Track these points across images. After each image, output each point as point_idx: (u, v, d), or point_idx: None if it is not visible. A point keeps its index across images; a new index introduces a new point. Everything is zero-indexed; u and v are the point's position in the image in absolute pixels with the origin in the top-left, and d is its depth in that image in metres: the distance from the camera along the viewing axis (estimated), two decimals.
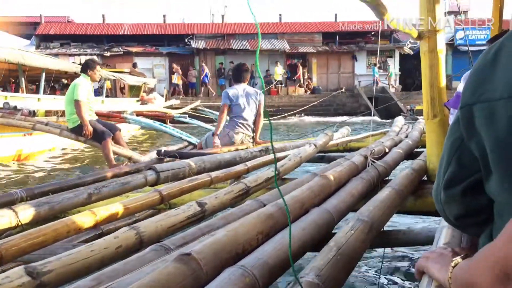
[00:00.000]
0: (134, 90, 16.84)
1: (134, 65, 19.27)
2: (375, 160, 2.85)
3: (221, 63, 24.43)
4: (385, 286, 2.60)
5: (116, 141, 5.70)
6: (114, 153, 5.45)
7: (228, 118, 5.44)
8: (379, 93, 22.12)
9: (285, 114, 18.47)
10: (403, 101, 20.35)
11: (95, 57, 10.70)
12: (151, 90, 17.57)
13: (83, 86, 5.65)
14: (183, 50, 25.52)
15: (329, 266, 1.24)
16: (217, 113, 14.56)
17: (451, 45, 24.75)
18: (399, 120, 6.03)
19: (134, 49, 24.37)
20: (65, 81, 15.25)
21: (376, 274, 2.68)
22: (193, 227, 1.82)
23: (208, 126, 10.51)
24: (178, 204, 2.58)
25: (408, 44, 25.50)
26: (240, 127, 5.36)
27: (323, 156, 4.29)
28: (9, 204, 2.43)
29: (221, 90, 23.94)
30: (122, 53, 24.03)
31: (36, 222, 2.19)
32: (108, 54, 23.50)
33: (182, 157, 4.19)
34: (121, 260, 1.51)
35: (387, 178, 2.87)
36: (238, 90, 5.41)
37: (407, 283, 2.63)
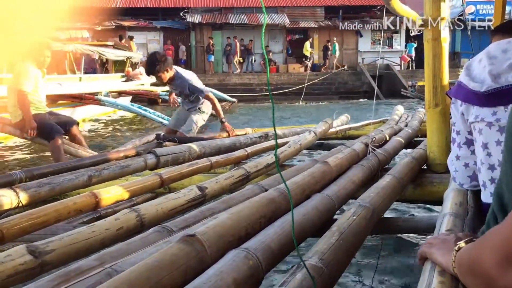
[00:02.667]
0: (118, 65, 15.40)
1: (120, 37, 18.01)
2: (375, 148, 2.85)
3: (211, 38, 23.17)
4: (384, 272, 2.61)
5: (73, 138, 4.77)
6: (67, 153, 4.50)
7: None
8: (384, 71, 21.41)
9: (281, 91, 17.76)
10: (409, 79, 19.70)
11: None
12: (138, 65, 16.22)
13: (28, 74, 4.53)
14: (178, 24, 24.19)
15: (331, 250, 1.25)
16: (212, 90, 14.27)
17: (460, 20, 23.72)
18: (399, 109, 6.03)
19: (126, 23, 23.05)
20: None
21: (375, 261, 2.69)
22: (194, 210, 1.82)
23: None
24: (177, 189, 2.58)
25: (411, 32, 24.85)
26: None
27: (322, 143, 4.29)
28: (8, 185, 2.43)
29: (209, 66, 23.02)
30: (114, 27, 22.75)
31: (36, 202, 2.19)
32: (99, 28, 22.30)
33: (182, 142, 4.19)
34: (122, 242, 1.51)
35: (387, 166, 2.87)
36: None
37: (406, 269, 2.65)
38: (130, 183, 2.29)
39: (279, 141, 3.78)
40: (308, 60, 22.95)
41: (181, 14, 24.02)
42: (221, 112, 4.76)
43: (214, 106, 4.77)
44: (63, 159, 4.28)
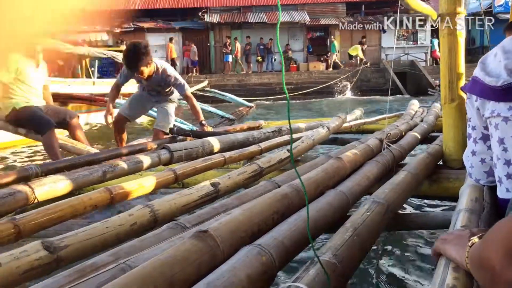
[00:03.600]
0: None
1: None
2: (390, 144, 2.82)
3: (228, 37, 22.83)
4: (396, 269, 2.60)
5: (72, 132, 4.40)
6: (63, 149, 4.12)
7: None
8: (408, 68, 20.76)
9: (300, 92, 17.57)
10: (435, 76, 19.10)
11: None
12: None
13: (9, 64, 4.20)
14: (197, 25, 24.00)
15: (345, 247, 1.24)
16: (228, 94, 14.12)
17: (489, 13, 21.34)
18: (414, 103, 5.96)
19: (145, 25, 23.12)
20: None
21: (387, 256, 2.68)
22: (208, 206, 1.82)
23: (214, 109, 9.35)
24: (191, 184, 2.59)
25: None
26: None
27: (336, 138, 4.27)
28: (24, 179, 2.46)
29: (225, 67, 22.71)
30: (133, 29, 22.87)
31: (52, 198, 2.21)
32: (118, 30, 22.43)
33: (195, 136, 4.20)
34: (136, 237, 1.52)
35: (402, 162, 2.84)
36: None
37: (420, 265, 2.63)
38: (145, 178, 2.30)
39: (294, 136, 3.77)
40: (354, 59, 22.39)
41: (200, 14, 23.83)
42: (201, 114, 4.32)
43: (192, 107, 4.28)
44: (59, 156, 3.88)
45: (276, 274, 1.18)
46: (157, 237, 1.39)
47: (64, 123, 4.34)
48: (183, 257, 1.03)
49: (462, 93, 2.63)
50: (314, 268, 1.10)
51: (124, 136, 4.45)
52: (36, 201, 2.09)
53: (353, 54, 22.23)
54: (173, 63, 20.17)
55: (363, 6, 24.91)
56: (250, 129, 5.28)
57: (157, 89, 4.28)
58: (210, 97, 14.35)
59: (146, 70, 3.97)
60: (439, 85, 14.07)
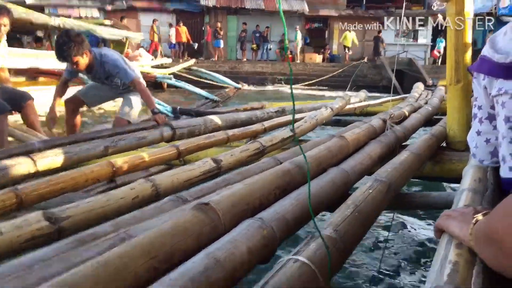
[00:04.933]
0: (116, 46, 14.05)
1: (121, 18, 17.21)
2: (393, 125, 2.80)
3: (218, 22, 21.95)
4: (399, 246, 2.61)
5: (25, 116, 3.96)
6: (12, 136, 3.69)
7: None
8: (405, 66, 20.47)
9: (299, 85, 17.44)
10: (433, 75, 18.84)
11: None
12: (138, 46, 15.48)
13: None
14: (192, 7, 23.06)
15: (346, 223, 1.23)
16: (215, 74, 13.50)
17: (492, 15, 21.13)
18: (419, 86, 5.92)
19: (138, 4, 22.20)
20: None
21: (387, 234, 2.69)
22: (210, 181, 1.82)
23: (198, 90, 8.75)
24: (192, 161, 2.58)
25: (434, 6, 23.23)
26: None
27: (339, 119, 4.25)
28: (26, 154, 2.46)
29: (217, 52, 21.77)
30: (125, 7, 22.01)
31: (53, 171, 2.21)
32: (110, 8, 21.72)
33: (198, 115, 4.19)
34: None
35: (405, 143, 2.83)
36: None
37: (422, 243, 2.64)
38: (147, 153, 2.30)
39: (296, 116, 3.75)
40: (348, 50, 21.77)
41: None
42: (153, 101, 3.66)
43: (142, 94, 3.67)
44: (4, 144, 3.42)
45: (277, 248, 1.18)
46: (158, 209, 1.39)
47: (18, 106, 3.91)
48: (184, 227, 1.03)
49: (468, 74, 2.60)
50: (314, 242, 1.09)
51: (78, 121, 4.00)
52: (37, 172, 2.09)
53: (348, 44, 21.71)
54: (155, 46, 19.77)
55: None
56: (253, 109, 5.27)
57: (106, 82, 3.80)
58: (197, 78, 13.48)
59: (82, 61, 3.47)
60: (433, 85, 13.52)
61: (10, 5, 8.08)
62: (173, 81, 9.91)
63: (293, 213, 1.32)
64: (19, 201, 1.58)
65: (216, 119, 3.45)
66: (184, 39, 20.11)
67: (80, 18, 19.87)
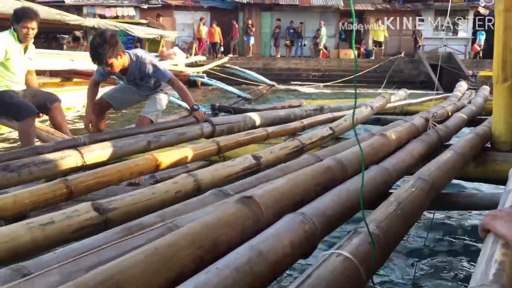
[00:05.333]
0: (151, 44, 14.33)
1: (157, 16, 17.29)
2: (436, 124, 2.75)
3: (249, 19, 21.77)
4: (442, 246, 2.57)
5: (52, 118, 3.93)
6: (38, 138, 3.65)
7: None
8: (444, 60, 19.66)
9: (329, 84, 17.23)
10: (473, 70, 18.06)
11: (33, 5, 5.16)
12: (172, 45, 15.66)
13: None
14: (226, 4, 22.95)
15: (388, 220, 1.23)
16: (249, 72, 13.33)
17: None
18: (462, 85, 5.77)
19: (173, 2, 22.26)
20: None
21: (433, 234, 2.64)
22: (251, 176, 1.84)
23: (230, 88, 8.67)
24: (232, 157, 2.62)
25: (482, 2, 22.27)
26: None
27: (379, 118, 4.19)
28: (74, 147, 2.55)
29: (245, 49, 21.50)
30: (160, 6, 22.08)
31: (99, 164, 2.29)
32: (145, 6, 21.88)
33: (237, 112, 4.23)
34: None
35: (447, 143, 2.77)
36: None
37: (466, 243, 2.59)
38: (189, 148, 2.35)
39: (335, 114, 3.74)
40: (380, 47, 21.23)
41: None
42: (191, 99, 3.61)
43: (181, 92, 3.66)
44: (33, 142, 3.45)
45: (318, 243, 1.19)
46: (201, 202, 1.42)
47: (45, 108, 3.89)
48: (228, 220, 1.06)
49: None
50: (357, 237, 1.10)
51: (103, 124, 3.88)
52: (84, 164, 2.17)
53: (379, 39, 21.09)
54: (201, 43, 19.99)
55: None
56: (291, 107, 5.27)
57: (140, 83, 3.72)
58: (231, 76, 13.52)
59: (117, 63, 3.40)
60: (472, 75, 12.83)
61: (42, 7, 8.28)
62: (206, 80, 9.87)
63: (334, 209, 1.33)
64: (69, 192, 1.65)
65: (255, 116, 3.47)
66: (217, 40, 20.08)
67: (116, 17, 20.28)
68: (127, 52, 3.49)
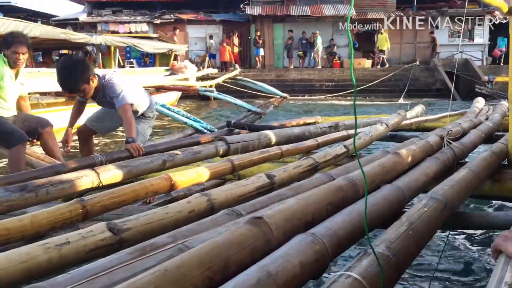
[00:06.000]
0: (161, 58, 14.68)
1: (174, 29, 17.82)
2: (451, 141, 2.73)
3: (258, 31, 21.93)
4: (453, 265, 2.53)
5: (43, 143, 3.80)
6: (28, 164, 3.48)
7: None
8: (461, 67, 19.18)
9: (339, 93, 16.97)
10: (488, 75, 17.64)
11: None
12: (183, 58, 15.69)
13: None
14: (238, 17, 23.18)
15: (400, 240, 1.23)
16: (261, 84, 13.48)
17: None
18: (479, 101, 5.71)
19: (185, 17, 22.60)
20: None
21: (444, 254, 2.61)
22: (263, 196, 1.85)
23: (239, 102, 8.60)
24: (246, 176, 2.63)
25: (497, 20, 21.96)
26: None
27: (395, 135, 4.18)
28: (91, 166, 2.60)
29: (254, 60, 21.63)
30: (173, 20, 22.39)
31: (115, 183, 2.33)
32: (158, 21, 22.28)
33: (251, 129, 4.25)
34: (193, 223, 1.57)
35: (463, 161, 2.75)
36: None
37: (477, 264, 2.54)
38: (203, 168, 2.37)
39: (350, 131, 3.73)
40: (383, 53, 20.99)
41: (242, 6, 22.88)
42: (133, 130, 3.21)
43: (125, 121, 3.29)
44: (22, 168, 3.31)
45: (329, 264, 1.19)
46: (213, 222, 1.44)
47: (36, 133, 3.78)
48: (238, 240, 1.07)
49: None
50: (367, 259, 1.10)
51: (92, 147, 3.84)
52: (101, 185, 2.21)
53: (383, 47, 20.84)
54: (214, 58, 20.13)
55: (415, 0, 23.27)
56: (306, 124, 5.28)
57: (111, 107, 3.48)
58: (243, 89, 13.57)
59: (89, 88, 3.22)
60: (488, 81, 12.46)
61: (46, 28, 8.40)
62: (215, 94, 9.79)
63: (345, 229, 1.33)
64: (85, 212, 1.69)
65: (269, 134, 3.50)
66: (227, 59, 20.05)
67: (130, 33, 20.62)
68: (97, 74, 3.35)
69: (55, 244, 1.31)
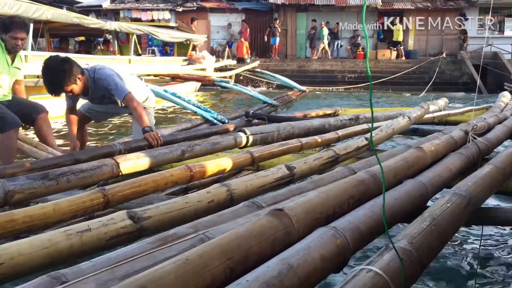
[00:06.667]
0: (180, 48, 14.55)
1: (192, 20, 17.48)
2: (476, 137, 2.68)
3: (275, 19, 21.46)
4: (483, 265, 2.48)
5: (37, 129, 3.67)
6: (20, 151, 3.40)
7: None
8: (490, 60, 17.80)
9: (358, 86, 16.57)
10: None
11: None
12: (207, 47, 15.75)
13: None
14: (261, 5, 22.72)
15: (422, 235, 1.21)
16: (279, 76, 13.44)
17: None
18: (505, 95, 5.58)
19: (208, 5, 22.35)
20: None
21: (474, 253, 2.56)
22: (283, 188, 1.84)
23: (255, 93, 8.49)
24: (265, 167, 2.63)
25: None
26: None
27: (416, 128, 4.11)
28: (109, 155, 2.63)
29: (271, 50, 21.09)
30: (195, 8, 22.21)
31: (134, 173, 2.35)
32: (180, 9, 22.12)
33: (270, 120, 4.24)
34: (213, 213, 1.58)
35: (488, 156, 2.69)
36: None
37: (504, 262, 2.50)
38: (222, 159, 2.37)
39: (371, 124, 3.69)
40: (399, 46, 20.62)
41: None
42: (145, 119, 3.19)
43: (134, 112, 3.28)
44: (11, 160, 3.22)
45: (349, 258, 1.18)
46: (234, 213, 1.43)
47: (31, 119, 3.67)
48: (259, 232, 1.06)
49: None
50: (388, 253, 1.08)
51: (84, 137, 3.74)
52: (120, 174, 2.23)
53: (399, 39, 20.41)
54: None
55: None
56: (326, 115, 5.24)
57: (104, 101, 3.47)
58: (262, 79, 13.55)
59: (76, 88, 3.16)
60: None
61: (60, 11, 8.28)
62: (231, 85, 9.61)
63: (367, 223, 1.31)
64: (106, 201, 1.70)
65: (288, 126, 3.48)
66: (243, 55, 19.57)
67: (152, 20, 20.70)
68: (86, 70, 3.26)
69: (76, 231, 1.32)
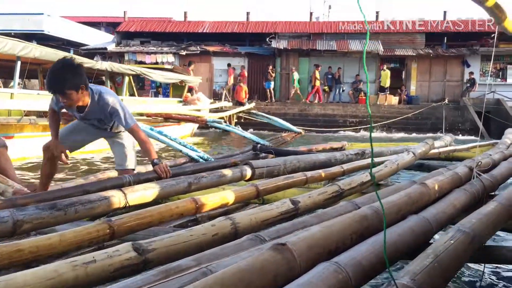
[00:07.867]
0: (175, 90, 14.90)
1: (189, 63, 17.65)
2: (481, 173, 2.69)
3: (269, 65, 21.88)
4: None
5: None
6: None
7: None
8: (493, 106, 18.17)
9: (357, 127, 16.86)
10: None
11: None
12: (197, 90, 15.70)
13: None
14: (263, 50, 23.34)
15: (425, 272, 1.21)
16: (275, 118, 13.40)
17: None
18: (511, 132, 5.59)
19: (211, 49, 23.04)
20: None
21: None
22: (287, 222, 1.86)
23: (247, 134, 8.63)
24: (271, 201, 2.64)
25: None
26: None
27: (422, 164, 4.12)
28: (118, 186, 2.66)
29: (264, 94, 21.42)
30: (199, 52, 22.84)
31: (141, 204, 2.37)
32: (184, 53, 22.71)
33: (277, 154, 4.27)
34: (217, 246, 1.59)
35: (493, 193, 2.69)
36: None
37: None
38: (228, 191, 2.39)
39: (375, 160, 3.71)
40: (386, 91, 20.79)
41: (267, 39, 23.10)
42: (153, 151, 3.15)
43: (142, 144, 3.20)
44: None
45: None
46: (237, 247, 1.44)
47: None
48: (261, 266, 1.07)
49: None
50: None
51: (54, 169, 3.48)
52: (127, 205, 2.25)
53: (386, 84, 20.55)
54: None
55: (445, 38, 22.84)
56: (332, 149, 5.27)
57: (97, 125, 3.34)
58: (257, 119, 13.84)
59: (76, 97, 2.97)
60: None
61: (47, 50, 8.28)
62: (223, 126, 9.72)
63: (369, 259, 1.32)
64: (112, 232, 1.72)
65: (294, 160, 3.50)
66: (242, 99, 19.53)
67: (156, 63, 21.12)
68: (91, 88, 3.13)
69: (82, 262, 1.34)
